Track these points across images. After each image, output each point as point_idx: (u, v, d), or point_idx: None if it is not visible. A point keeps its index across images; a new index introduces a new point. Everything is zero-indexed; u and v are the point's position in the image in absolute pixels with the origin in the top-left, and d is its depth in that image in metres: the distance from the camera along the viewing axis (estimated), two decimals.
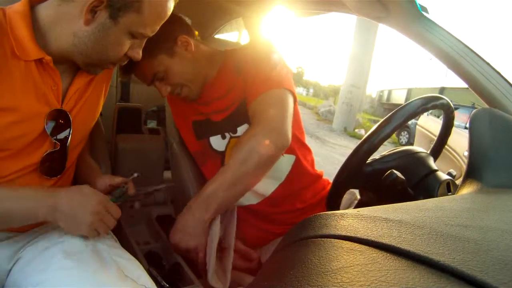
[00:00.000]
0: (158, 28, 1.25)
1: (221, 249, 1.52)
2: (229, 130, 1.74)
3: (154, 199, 2.05)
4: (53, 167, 1.30)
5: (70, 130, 1.29)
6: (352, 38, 16.76)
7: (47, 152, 1.25)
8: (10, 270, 1.23)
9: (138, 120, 2.49)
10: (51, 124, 1.23)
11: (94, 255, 1.16)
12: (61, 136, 1.27)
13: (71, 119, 1.29)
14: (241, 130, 1.70)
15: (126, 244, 1.40)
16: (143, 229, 1.75)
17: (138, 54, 1.28)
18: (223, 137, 1.76)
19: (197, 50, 1.69)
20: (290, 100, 1.58)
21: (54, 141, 1.26)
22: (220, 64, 1.76)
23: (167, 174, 2.24)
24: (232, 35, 3.32)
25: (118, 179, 1.41)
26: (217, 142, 1.78)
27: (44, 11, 1.15)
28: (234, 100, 1.70)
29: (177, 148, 1.97)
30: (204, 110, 1.79)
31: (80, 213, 1.13)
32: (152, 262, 1.57)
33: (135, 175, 1.44)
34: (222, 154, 1.77)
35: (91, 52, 1.18)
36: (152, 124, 3.09)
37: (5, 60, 1.10)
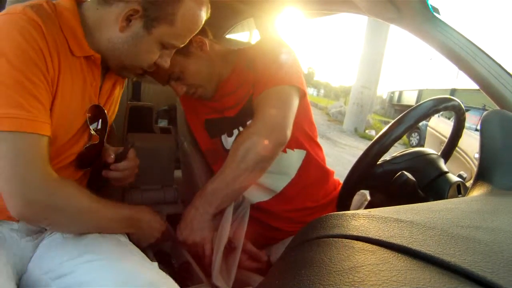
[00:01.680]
0: (188, 40, 1.31)
1: (230, 248, 1.52)
2: (239, 125, 1.75)
3: (164, 198, 2.05)
4: (88, 159, 1.35)
5: (106, 125, 1.36)
6: (363, 38, 16.72)
7: (87, 145, 1.31)
8: (31, 258, 1.27)
9: (150, 119, 2.50)
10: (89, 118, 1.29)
11: (115, 245, 1.22)
12: (96, 128, 1.32)
13: (107, 114, 1.35)
14: None
15: (136, 243, 1.41)
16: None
17: (166, 62, 1.33)
18: (230, 135, 1.78)
19: (212, 50, 1.71)
20: (295, 96, 1.60)
21: (94, 133, 1.31)
22: (233, 63, 1.78)
23: (178, 173, 2.24)
24: (243, 35, 3.33)
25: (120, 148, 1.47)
26: (227, 141, 1.80)
27: (86, 12, 1.21)
28: (243, 95, 1.73)
29: (188, 147, 1.98)
30: (218, 107, 1.80)
31: (152, 232, 1.44)
32: (162, 261, 1.57)
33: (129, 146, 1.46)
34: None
35: (124, 58, 1.25)
36: (163, 123, 3.10)
37: (65, 54, 1.14)
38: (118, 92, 1.50)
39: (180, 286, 1.38)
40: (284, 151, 1.73)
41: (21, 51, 1.01)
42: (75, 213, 1.17)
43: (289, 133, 1.50)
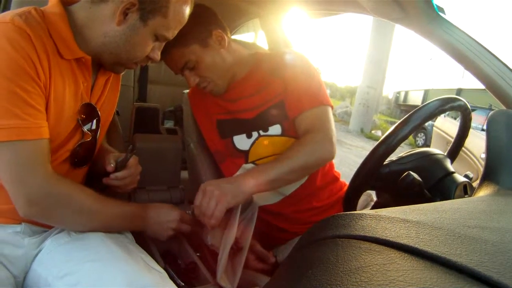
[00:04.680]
0: (177, 32, 1.37)
1: (236, 249, 1.53)
2: (260, 129, 1.77)
3: (171, 199, 2.06)
4: (83, 157, 1.38)
5: (99, 123, 1.39)
6: (369, 38, 16.68)
7: (79, 142, 1.33)
8: (35, 257, 1.29)
9: (156, 120, 2.50)
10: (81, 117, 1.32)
11: (119, 245, 1.24)
12: (90, 128, 1.36)
13: (99, 112, 1.38)
14: (272, 129, 1.75)
15: (142, 243, 1.41)
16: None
17: (157, 55, 1.38)
18: (249, 136, 1.79)
19: (230, 47, 1.74)
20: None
21: (87, 131, 1.34)
22: (251, 66, 1.81)
23: (184, 174, 2.24)
24: (248, 36, 3.33)
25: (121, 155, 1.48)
26: (241, 141, 1.80)
27: (77, 13, 1.25)
28: (267, 99, 1.75)
29: (194, 148, 1.98)
30: (232, 108, 1.82)
31: (163, 225, 1.46)
32: (169, 261, 1.58)
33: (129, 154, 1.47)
34: (245, 153, 1.80)
35: (120, 50, 1.28)
36: (169, 124, 3.10)
37: (55, 58, 1.18)
38: (113, 90, 1.53)
39: (186, 286, 1.39)
40: None
41: (11, 60, 1.05)
42: (78, 211, 1.23)
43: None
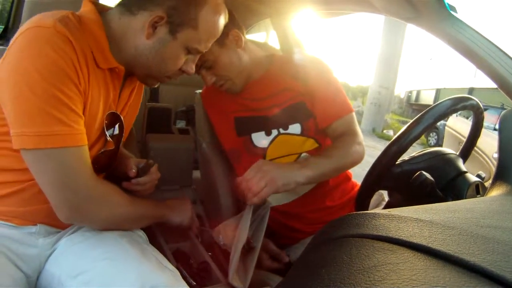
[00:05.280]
0: (210, 44, 1.36)
1: (249, 248, 1.53)
2: (279, 127, 1.79)
3: None
4: (104, 165, 1.37)
5: (122, 128, 1.38)
6: (380, 38, 16.60)
7: (102, 150, 1.33)
8: (48, 257, 1.29)
9: (168, 120, 2.51)
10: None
11: (134, 245, 1.24)
12: (112, 133, 1.35)
13: (122, 121, 1.38)
14: (292, 128, 1.78)
15: (155, 242, 1.42)
16: (172, 227, 1.77)
17: (191, 69, 1.38)
18: (268, 134, 1.81)
19: (247, 47, 1.77)
20: None
21: (110, 140, 1.34)
22: (268, 66, 1.84)
23: (196, 174, 2.25)
24: (259, 36, 3.33)
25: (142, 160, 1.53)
26: (260, 139, 1.82)
27: (110, 22, 1.25)
28: (287, 98, 1.78)
29: (207, 148, 1.98)
30: (252, 105, 1.83)
31: (183, 214, 1.55)
32: (180, 261, 1.59)
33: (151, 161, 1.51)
34: (264, 150, 1.81)
35: (151, 64, 1.28)
36: (181, 124, 3.11)
37: (93, 66, 1.17)
38: (136, 99, 1.53)
39: (198, 285, 1.39)
40: None
41: (55, 66, 1.04)
42: (115, 213, 1.25)
43: None
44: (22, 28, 1.08)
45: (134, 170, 1.43)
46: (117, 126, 1.35)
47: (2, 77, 1.06)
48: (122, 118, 1.37)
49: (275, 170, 1.47)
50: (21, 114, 1.04)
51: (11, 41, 1.10)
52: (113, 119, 1.33)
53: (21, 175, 1.17)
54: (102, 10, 1.27)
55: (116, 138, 1.37)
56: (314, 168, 1.54)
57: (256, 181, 1.46)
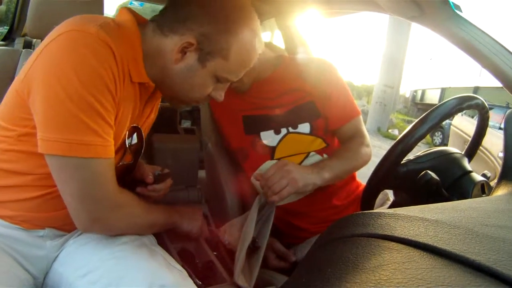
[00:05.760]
0: (242, 74, 1.31)
1: (254, 248, 1.53)
2: (289, 125, 1.80)
3: (188, 198, 2.07)
4: (120, 177, 1.34)
5: (142, 145, 1.36)
6: (385, 37, 16.55)
7: (120, 162, 1.32)
8: (56, 258, 1.29)
9: (174, 120, 2.51)
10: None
11: (141, 246, 1.24)
12: (131, 142, 1.32)
13: (143, 135, 1.36)
14: (301, 127, 1.79)
15: (160, 242, 1.42)
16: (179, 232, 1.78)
17: (220, 96, 1.34)
18: (277, 132, 1.81)
19: None
20: None
21: (129, 153, 1.33)
22: (277, 66, 1.85)
23: (201, 174, 2.25)
24: (264, 35, 3.33)
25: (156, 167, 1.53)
26: (269, 137, 1.82)
27: (144, 36, 1.22)
28: (296, 98, 1.80)
29: (212, 147, 1.98)
30: (261, 104, 1.84)
31: (193, 222, 1.52)
32: (186, 260, 1.59)
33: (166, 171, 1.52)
34: (272, 149, 1.82)
35: (177, 89, 1.26)
36: (187, 123, 3.11)
37: (128, 80, 1.15)
38: (154, 113, 1.51)
39: (203, 285, 1.40)
40: (322, 155, 1.80)
41: (96, 75, 1.02)
42: (134, 223, 1.25)
43: None
44: (59, 29, 1.06)
45: (151, 177, 1.43)
46: (135, 137, 1.33)
47: (35, 76, 1.05)
48: (142, 132, 1.35)
49: (296, 171, 1.51)
50: (53, 118, 1.01)
51: (46, 40, 1.07)
52: (133, 132, 1.31)
53: (37, 180, 1.15)
54: (139, 22, 1.25)
55: (135, 152, 1.35)
56: (330, 171, 1.60)
57: (277, 179, 1.49)
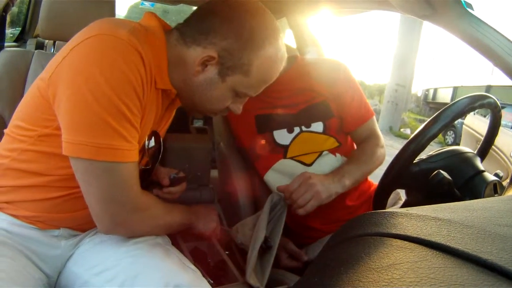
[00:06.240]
0: (261, 90, 1.32)
1: (266, 247, 1.53)
2: (302, 124, 1.81)
3: (201, 198, 2.08)
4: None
5: (160, 150, 1.36)
6: (397, 35, 16.48)
7: (140, 168, 1.30)
8: (70, 257, 1.31)
9: (186, 120, 2.52)
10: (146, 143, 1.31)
11: (156, 245, 1.25)
12: (148, 145, 1.33)
13: (161, 140, 1.37)
14: (314, 126, 1.80)
15: (172, 241, 1.43)
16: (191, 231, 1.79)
17: (239, 109, 1.36)
18: (290, 131, 1.82)
19: None
20: None
21: (148, 158, 1.34)
22: (288, 66, 1.81)
23: (214, 173, 2.26)
24: None
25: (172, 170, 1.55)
26: (282, 136, 1.83)
27: (170, 45, 1.22)
28: (310, 98, 1.81)
29: (224, 147, 1.99)
30: (274, 103, 1.84)
31: (208, 222, 1.55)
32: (198, 259, 1.59)
33: (182, 174, 1.55)
34: (285, 147, 1.82)
35: (196, 101, 1.28)
36: (199, 123, 3.12)
37: (153, 86, 1.16)
38: (170, 121, 1.52)
39: (215, 284, 1.40)
40: (334, 154, 1.81)
41: (125, 80, 1.02)
42: (156, 224, 1.27)
43: None
44: (87, 32, 1.07)
45: (167, 179, 1.46)
46: (152, 141, 1.33)
47: (61, 78, 1.05)
48: (160, 137, 1.36)
49: (319, 183, 1.53)
50: (80, 121, 1.02)
51: (72, 42, 1.08)
52: (150, 136, 1.32)
53: (55, 182, 1.17)
54: (165, 28, 1.26)
55: (152, 155, 1.35)
56: (350, 177, 1.63)
57: (302, 193, 1.51)
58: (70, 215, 1.23)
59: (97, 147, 1.01)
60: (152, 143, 1.33)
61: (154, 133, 1.32)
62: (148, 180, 1.39)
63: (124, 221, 1.14)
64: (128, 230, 1.21)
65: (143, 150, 1.29)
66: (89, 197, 1.09)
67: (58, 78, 1.06)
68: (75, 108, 1.02)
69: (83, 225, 1.28)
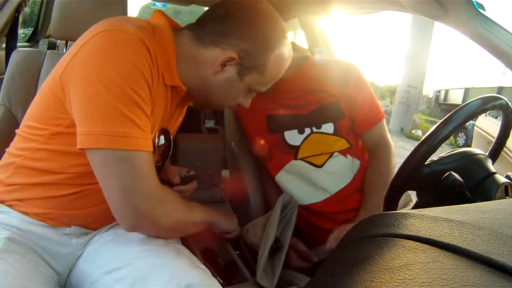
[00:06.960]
0: (270, 85, 1.40)
1: (276, 248, 1.54)
2: (313, 125, 1.81)
3: (211, 198, 2.08)
4: None
5: (170, 148, 1.39)
6: (408, 36, 16.41)
7: None
8: (80, 255, 1.31)
9: (197, 120, 2.53)
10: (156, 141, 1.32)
11: (167, 244, 1.25)
12: (158, 143, 1.34)
13: (171, 138, 1.39)
14: (325, 127, 1.81)
15: (183, 240, 1.44)
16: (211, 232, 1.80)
17: (248, 103, 1.43)
18: (301, 132, 1.82)
19: None
20: None
21: (158, 156, 1.35)
22: (299, 67, 1.86)
23: (225, 173, 2.26)
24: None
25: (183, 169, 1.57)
26: (293, 137, 1.83)
27: (181, 44, 1.26)
28: (320, 99, 1.82)
29: (236, 147, 2.00)
30: (285, 103, 1.85)
31: (229, 222, 1.57)
32: (208, 259, 1.60)
33: (192, 173, 1.56)
34: (296, 148, 1.82)
35: (212, 98, 1.32)
36: (210, 123, 3.12)
37: (161, 81, 1.19)
38: (182, 115, 1.55)
39: (225, 284, 1.41)
40: (345, 156, 1.81)
41: (134, 68, 1.05)
42: (179, 221, 1.27)
43: None
44: (95, 29, 1.10)
45: (177, 178, 1.47)
46: (163, 139, 1.35)
47: (72, 74, 1.07)
48: (170, 135, 1.38)
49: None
50: (94, 112, 1.03)
51: (81, 40, 1.11)
52: (160, 134, 1.34)
53: (67, 179, 1.18)
54: (173, 27, 1.28)
55: (162, 153, 1.38)
56: (378, 205, 1.70)
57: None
58: (81, 212, 1.23)
59: (112, 135, 1.02)
60: (162, 140, 1.35)
61: (164, 131, 1.34)
62: (158, 178, 1.40)
63: (148, 213, 1.12)
64: (153, 224, 1.17)
65: (153, 148, 1.28)
66: (110, 192, 1.09)
67: (70, 75, 1.08)
68: (88, 101, 1.04)
69: (94, 223, 1.29)
